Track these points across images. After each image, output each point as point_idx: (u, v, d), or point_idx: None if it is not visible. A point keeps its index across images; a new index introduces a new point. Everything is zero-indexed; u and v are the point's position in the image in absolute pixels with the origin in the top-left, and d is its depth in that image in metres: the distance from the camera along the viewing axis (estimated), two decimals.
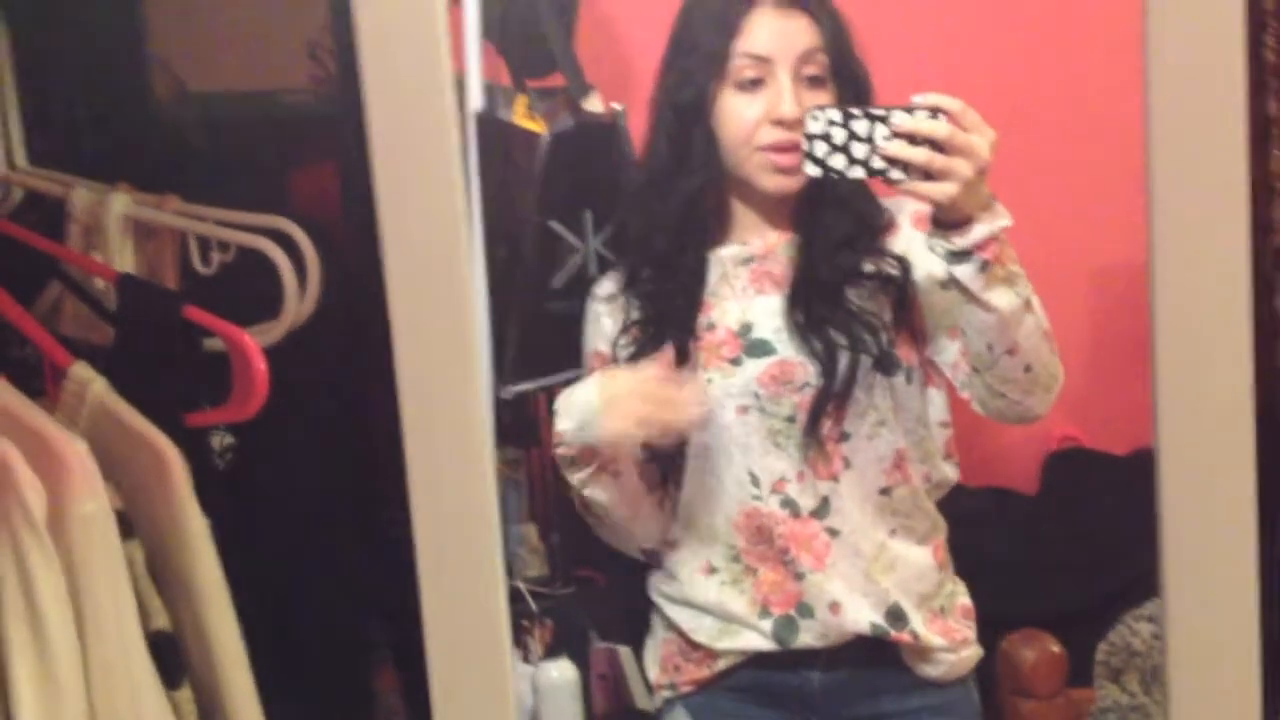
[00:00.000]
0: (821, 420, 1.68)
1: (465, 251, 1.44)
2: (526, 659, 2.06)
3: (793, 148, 1.65)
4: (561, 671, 2.03)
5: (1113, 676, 2.28)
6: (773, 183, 1.70)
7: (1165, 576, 1.45)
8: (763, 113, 1.67)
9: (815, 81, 1.69)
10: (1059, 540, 2.48)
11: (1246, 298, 1.38)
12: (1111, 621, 2.29)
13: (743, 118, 1.69)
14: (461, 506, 1.48)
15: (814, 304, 1.70)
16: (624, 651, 2.11)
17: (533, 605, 2.10)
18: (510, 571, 2.16)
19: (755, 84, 1.68)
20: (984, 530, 1.89)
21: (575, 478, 1.74)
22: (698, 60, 1.70)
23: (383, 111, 1.41)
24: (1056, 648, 2.27)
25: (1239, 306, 1.38)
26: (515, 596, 2.10)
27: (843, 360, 1.67)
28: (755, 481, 1.70)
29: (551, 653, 2.06)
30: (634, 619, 1.93)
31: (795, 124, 1.65)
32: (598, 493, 1.73)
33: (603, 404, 1.64)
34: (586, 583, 2.26)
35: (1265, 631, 1.43)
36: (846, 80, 1.70)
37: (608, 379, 1.69)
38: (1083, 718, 2.27)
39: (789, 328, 1.70)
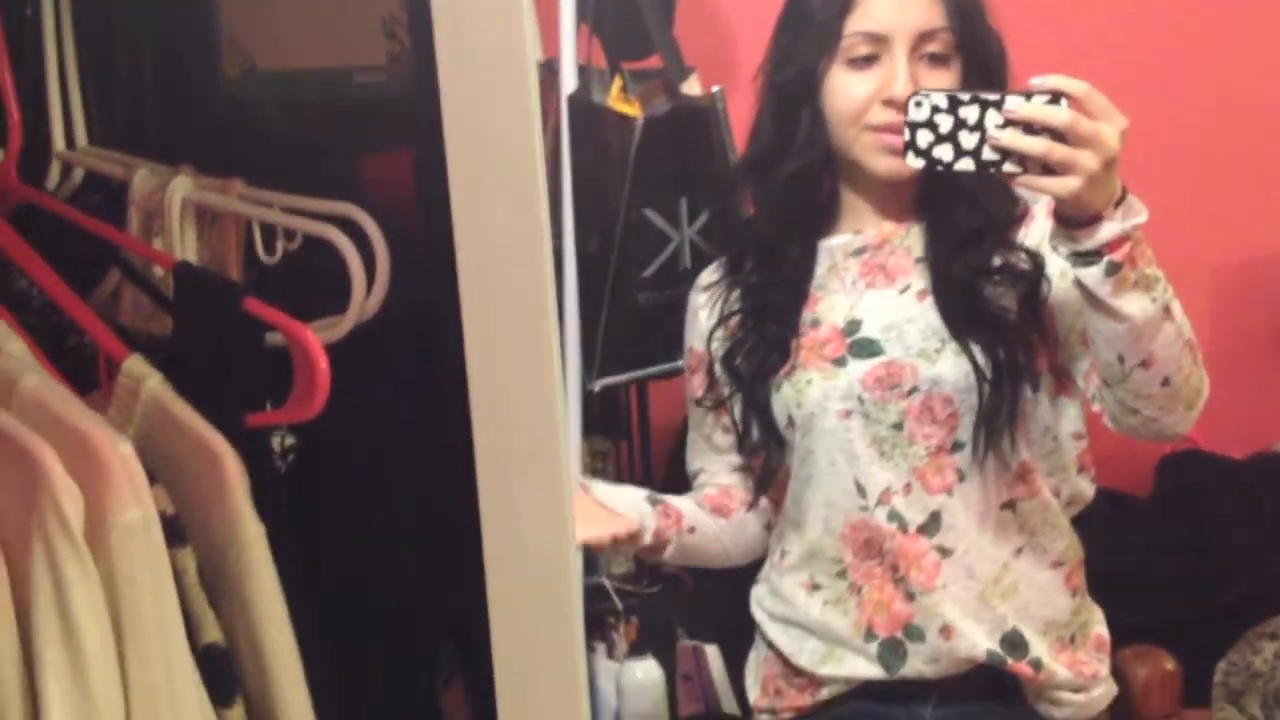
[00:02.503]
0: (981, 436, 1.58)
1: (543, 246, 1.36)
2: (611, 656, 2.04)
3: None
4: (646, 671, 2.03)
5: (1232, 698, 2.18)
6: (884, 164, 1.59)
7: None
8: (874, 91, 1.58)
9: (937, 60, 1.58)
10: (1173, 548, 2.40)
11: None
12: (1231, 638, 2.20)
13: (852, 96, 1.59)
14: (535, 512, 1.40)
15: (949, 305, 1.59)
16: (710, 652, 2.07)
17: (618, 602, 2.07)
18: (596, 568, 2.12)
19: (869, 61, 1.58)
20: (1093, 535, 1.78)
21: (665, 558, 1.77)
22: (808, 36, 1.61)
23: (457, 94, 1.33)
24: (1171, 664, 2.16)
25: None
26: (601, 593, 2.06)
27: (983, 365, 1.56)
28: (862, 492, 1.60)
29: (636, 651, 2.05)
30: (722, 620, 1.90)
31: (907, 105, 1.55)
32: (690, 558, 1.74)
33: None
34: (674, 581, 2.23)
35: None
36: (973, 59, 1.59)
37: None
38: None
39: (904, 329, 1.60)
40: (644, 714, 2.02)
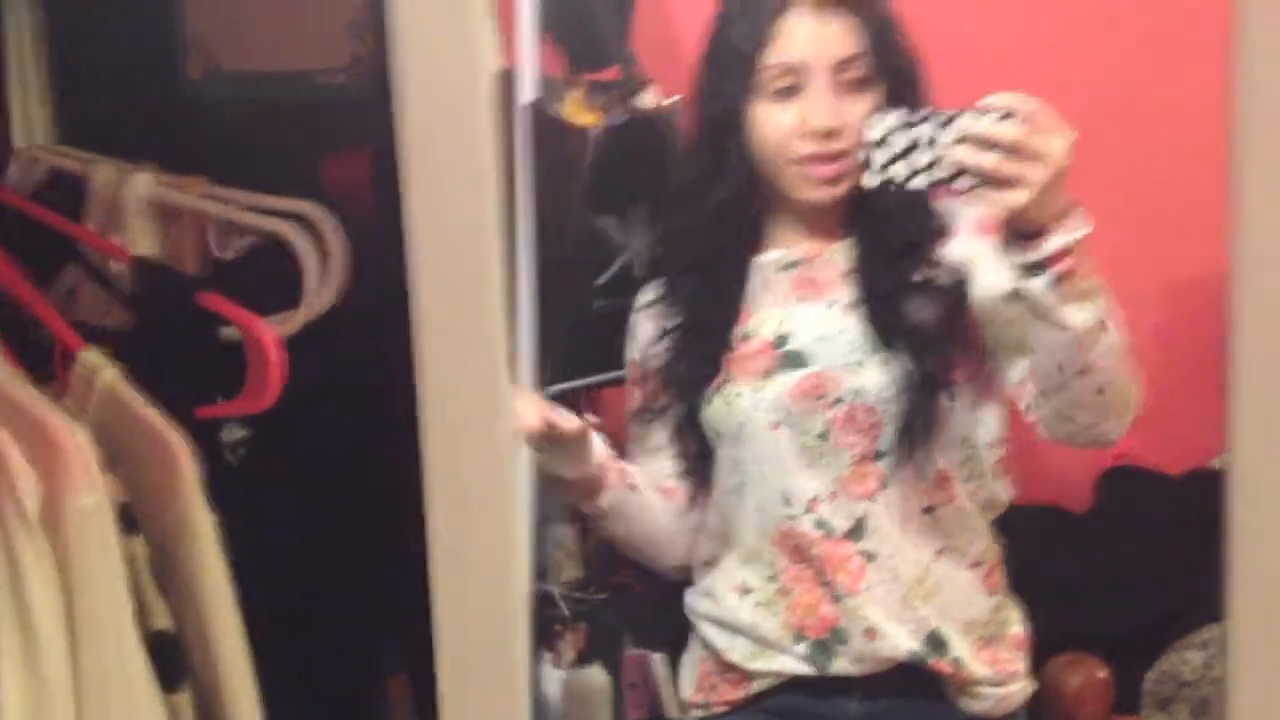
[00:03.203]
0: (902, 444, 1.62)
1: (494, 248, 1.39)
2: (558, 663, 2.04)
3: (830, 159, 1.60)
4: (592, 678, 2.02)
5: (1161, 706, 2.22)
6: (811, 195, 1.64)
7: (1232, 603, 1.38)
8: (797, 123, 1.61)
9: (857, 86, 1.62)
10: (1108, 561, 2.43)
11: None
12: (1161, 648, 2.24)
13: (775, 127, 1.62)
14: (481, 511, 1.43)
15: (874, 317, 1.63)
16: (657, 660, 2.08)
17: (565, 609, 2.07)
18: (545, 574, 2.13)
19: (790, 92, 1.61)
20: (1031, 548, 1.83)
21: (591, 508, 1.74)
22: (729, 69, 1.64)
23: (414, 98, 1.36)
24: (1103, 673, 2.22)
25: None
26: (549, 601, 2.07)
27: (904, 376, 1.60)
28: (789, 501, 1.64)
29: (583, 658, 2.04)
30: (670, 628, 1.91)
31: (830, 135, 1.59)
32: (617, 524, 1.71)
33: None
34: (623, 589, 2.23)
35: None
36: (893, 82, 1.63)
37: None
38: None
39: (833, 340, 1.64)
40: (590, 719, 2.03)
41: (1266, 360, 1.30)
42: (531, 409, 1.63)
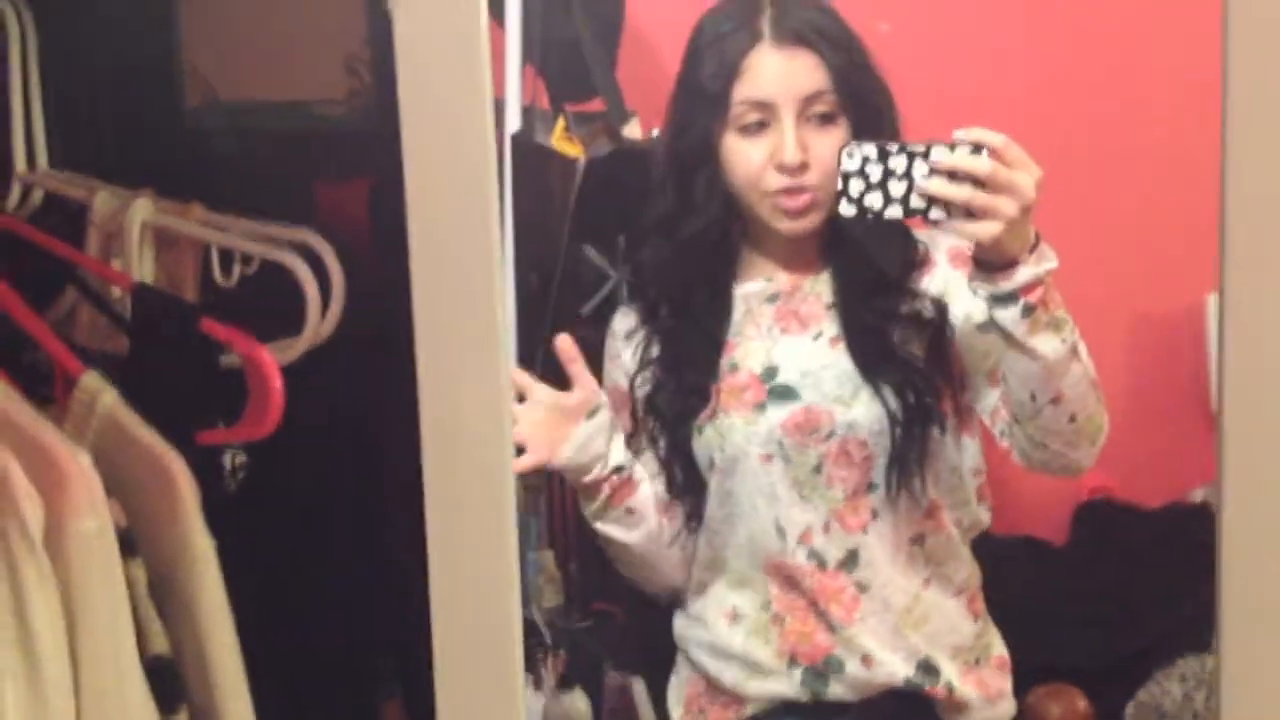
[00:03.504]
0: (894, 476, 1.64)
1: (496, 279, 1.40)
2: (539, 689, 2.04)
3: (800, 191, 1.62)
4: (573, 703, 2.02)
5: None
6: (785, 227, 1.66)
7: (1223, 635, 1.39)
8: (767, 157, 1.63)
9: (825, 119, 1.64)
10: (1087, 593, 2.46)
11: None
12: (1141, 679, 2.26)
13: (747, 162, 1.64)
14: (479, 539, 1.44)
15: (861, 351, 1.65)
16: (637, 686, 2.08)
17: (547, 636, 2.07)
18: (526, 601, 2.14)
19: (759, 127, 1.64)
20: (1011, 579, 1.85)
21: (587, 512, 1.71)
22: (700, 105, 1.66)
23: (418, 130, 1.37)
24: (1083, 704, 2.24)
25: None
26: (530, 627, 2.07)
27: (895, 410, 1.62)
28: (781, 534, 1.66)
29: (564, 684, 2.04)
30: (650, 654, 1.91)
31: (799, 169, 1.61)
32: (612, 529, 1.70)
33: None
34: (604, 616, 2.24)
35: None
36: (861, 114, 1.65)
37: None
38: None
39: (820, 375, 1.66)
40: None
41: (1254, 390, 1.32)
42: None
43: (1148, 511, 2.56)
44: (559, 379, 1.75)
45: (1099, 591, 2.44)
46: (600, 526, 1.72)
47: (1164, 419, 2.62)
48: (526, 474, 1.68)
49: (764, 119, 1.63)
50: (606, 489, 1.69)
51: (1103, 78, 2.52)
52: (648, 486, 1.74)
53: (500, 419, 1.36)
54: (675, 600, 1.82)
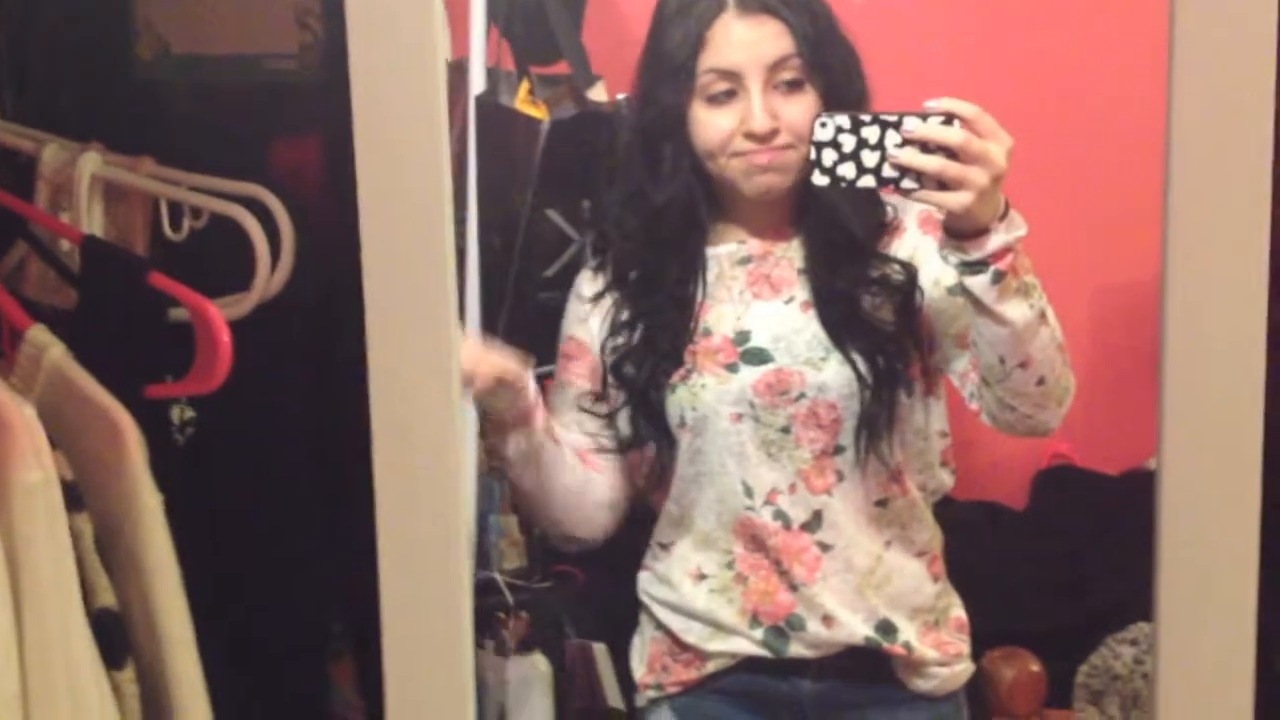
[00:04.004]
0: (862, 439, 1.65)
1: (446, 233, 1.39)
2: (500, 651, 2.04)
3: (770, 151, 1.62)
4: (534, 665, 2.03)
5: (1093, 699, 2.26)
6: (757, 184, 1.65)
7: (1160, 600, 1.41)
8: (735, 125, 1.63)
9: (793, 86, 1.63)
10: (1045, 558, 2.48)
11: (1261, 314, 1.33)
12: (1094, 644, 2.28)
13: (715, 131, 1.64)
14: (429, 496, 1.44)
15: (831, 316, 1.66)
16: (598, 648, 2.09)
17: (509, 597, 2.07)
18: (488, 563, 2.14)
19: (727, 96, 1.63)
20: (970, 544, 1.86)
21: (505, 451, 1.72)
22: (666, 76, 1.65)
23: (368, 84, 1.36)
24: (1036, 667, 2.26)
25: (1253, 323, 1.33)
26: (491, 588, 2.07)
27: (864, 374, 1.63)
28: (749, 492, 1.67)
29: (525, 646, 2.04)
30: (612, 616, 1.92)
31: (768, 136, 1.61)
32: (503, 447, 1.70)
33: None
34: (565, 577, 2.24)
35: (1261, 661, 1.39)
36: (829, 80, 1.64)
37: None
38: None
39: (791, 339, 1.66)
40: (531, 708, 2.03)
41: (1194, 363, 1.33)
42: (481, 359, 1.62)
43: (1106, 478, 2.57)
44: (521, 341, 1.75)
45: (1057, 556, 2.46)
46: (519, 469, 1.71)
47: (1124, 388, 2.63)
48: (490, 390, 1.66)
49: (731, 88, 1.63)
50: (537, 416, 1.69)
51: (1074, 46, 2.53)
52: (560, 430, 1.74)
53: (449, 375, 1.36)
54: (574, 548, 1.82)
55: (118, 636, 1.34)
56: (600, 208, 1.90)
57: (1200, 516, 1.35)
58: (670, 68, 1.64)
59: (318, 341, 1.53)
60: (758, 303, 1.70)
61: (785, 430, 1.66)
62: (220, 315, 1.36)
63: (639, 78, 1.71)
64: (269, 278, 1.47)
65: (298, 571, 1.58)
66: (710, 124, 1.64)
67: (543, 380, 2.10)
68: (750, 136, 1.62)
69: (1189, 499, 1.36)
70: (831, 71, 1.64)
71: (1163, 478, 1.34)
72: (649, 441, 1.72)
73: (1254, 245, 1.29)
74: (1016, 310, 1.48)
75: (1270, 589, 1.37)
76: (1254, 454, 1.34)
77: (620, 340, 1.73)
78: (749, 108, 1.62)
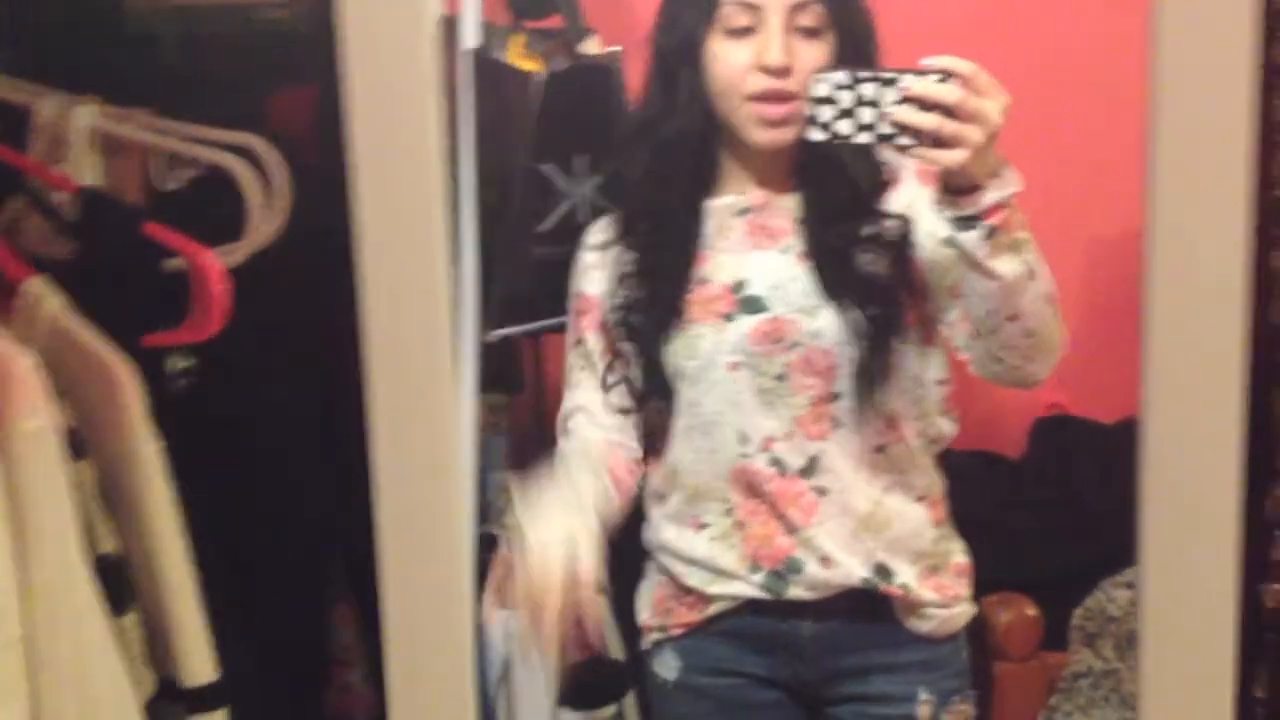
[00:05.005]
0: (858, 387, 1.65)
1: (437, 182, 1.40)
2: (501, 604, 2.04)
3: (780, 98, 1.63)
4: None
5: (1088, 641, 2.27)
6: (761, 136, 1.66)
7: (1144, 542, 1.43)
8: (751, 59, 1.63)
9: (810, 33, 1.64)
10: (1041, 505, 2.48)
11: (1241, 268, 1.35)
12: (1089, 587, 2.29)
13: (731, 64, 1.65)
14: (424, 441, 1.45)
15: (825, 272, 1.67)
16: (598, 600, 2.09)
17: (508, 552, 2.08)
18: (489, 517, 2.15)
19: (746, 31, 1.64)
20: (968, 492, 1.86)
21: None
22: (689, 3, 1.66)
23: (357, 32, 1.37)
24: (1032, 611, 2.27)
25: (1233, 275, 1.35)
26: (492, 542, 2.08)
27: (858, 321, 1.64)
28: (744, 439, 1.68)
29: None
30: (612, 568, 1.92)
31: (782, 72, 1.62)
32: None
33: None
34: None
35: (1243, 601, 1.41)
36: (846, 33, 1.65)
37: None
38: (1056, 682, 2.26)
39: (788, 287, 1.68)
40: (532, 660, 2.04)
41: (1177, 316, 1.35)
42: (552, 590, 1.57)
43: (1101, 426, 2.58)
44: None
45: (1052, 504, 2.46)
46: None
47: (1118, 337, 2.63)
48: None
49: (751, 23, 1.64)
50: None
51: (1048, 13, 2.52)
52: (602, 497, 1.72)
53: (441, 323, 1.37)
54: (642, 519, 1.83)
55: (121, 581, 1.36)
56: (614, 152, 1.90)
57: (1183, 463, 1.38)
58: None
59: (313, 289, 1.53)
60: (755, 252, 1.71)
61: (781, 378, 1.67)
62: (215, 263, 1.37)
63: (660, 9, 1.72)
64: (262, 225, 1.47)
65: (297, 516, 1.59)
66: (726, 58, 1.64)
67: (542, 334, 2.11)
68: (766, 71, 1.62)
69: (1172, 445, 1.39)
70: (850, 24, 1.65)
71: (1147, 425, 1.37)
72: (654, 393, 1.74)
73: (1236, 195, 1.31)
74: (1007, 265, 1.49)
75: (1251, 529, 1.39)
76: (1235, 400, 1.36)
77: (625, 292, 1.74)
78: (767, 41, 1.62)
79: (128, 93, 1.63)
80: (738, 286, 1.69)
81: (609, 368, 1.79)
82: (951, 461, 1.85)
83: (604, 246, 1.77)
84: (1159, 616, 1.43)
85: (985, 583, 1.88)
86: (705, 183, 1.73)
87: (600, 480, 1.73)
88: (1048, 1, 2.51)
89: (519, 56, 2.08)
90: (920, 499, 1.73)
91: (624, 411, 1.79)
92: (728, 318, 1.68)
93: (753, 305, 1.68)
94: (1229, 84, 1.30)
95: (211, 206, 1.52)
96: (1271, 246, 1.55)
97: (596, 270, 1.78)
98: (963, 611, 1.77)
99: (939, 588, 1.73)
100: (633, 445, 1.79)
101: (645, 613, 1.83)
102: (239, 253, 1.47)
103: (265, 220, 1.48)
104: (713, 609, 1.75)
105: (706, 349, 1.68)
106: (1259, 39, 1.32)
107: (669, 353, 1.71)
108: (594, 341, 1.79)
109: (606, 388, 1.79)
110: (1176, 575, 1.42)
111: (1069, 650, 2.26)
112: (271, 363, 1.56)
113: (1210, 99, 1.32)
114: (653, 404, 1.75)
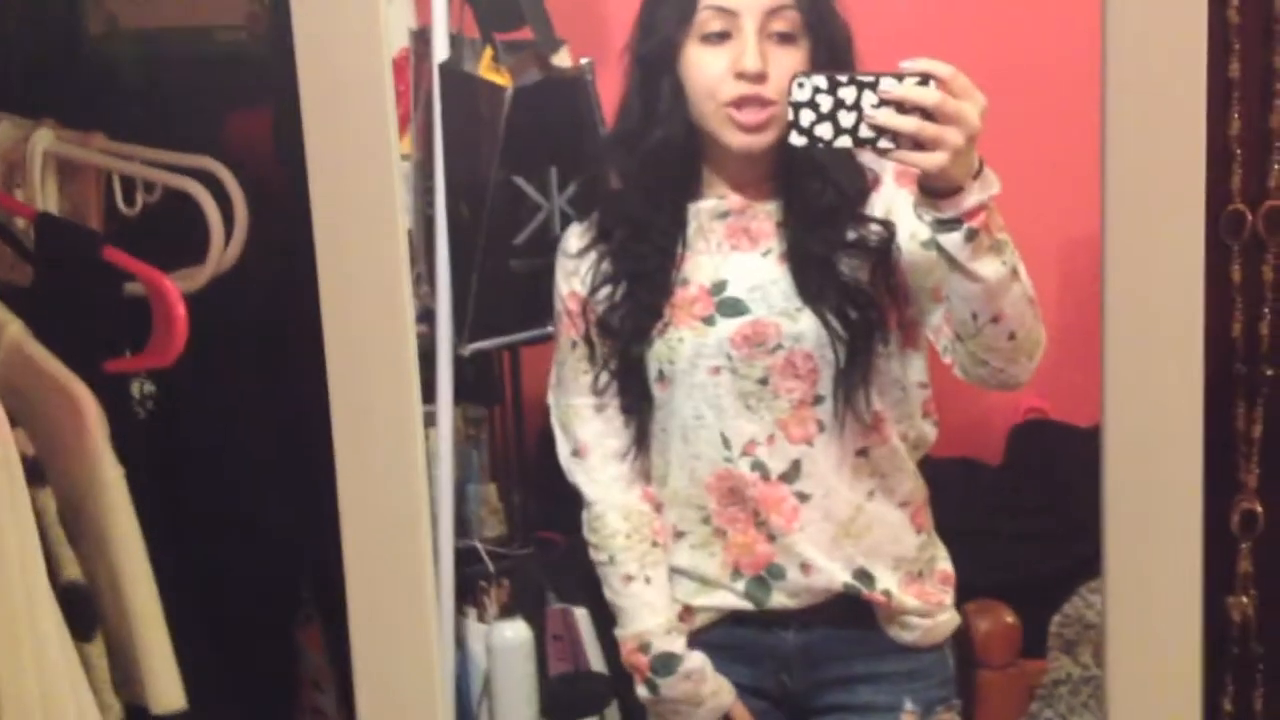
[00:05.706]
0: (840, 390, 1.66)
1: (397, 199, 1.39)
2: (482, 619, 2.04)
3: (756, 103, 1.63)
4: (515, 631, 2.03)
5: (1066, 648, 2.27)
6: (737, 140, 1.66)
7: (1108, 555, 1.43)
8: (727, 66, 1.64)
9: (785, 38, 1.65)
10: (1020, 511, 2.48)
11: (1199, 279, 1.36)
12: (1067, 594, 2.28)
13: (707, 70, 1.65)
14: (388, 462, 1.44)
15: (805, 277, 1.67)
16: (580, 613, 2.09)
17: (489, 565, 2.08)
18: (468, 531, 2.14)
19: (721, 37, 1.65)
20: (947, 499, 1.86)
21: None
22: (666, 9, 1.67)
23: (312, 53, 1.36)
24: (1011, 618, 2.27)
25: (1192, 286, 1.36)
26: (473, 556, 2.08)
27: (840, 325, 1.64)
28: (726, 443, 1.68)
29: (506, 613, 2.05)
30: (593, 581, 1.91)
31: (758, 78, 1.62)
32: None
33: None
34: (545, 544, 2.24)
35: (1208, 606, 1.42)
36: (821, 38, 1.66)
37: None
38: (1035, 689, 2.26)
39: (768, 289, 1.67)
40: (514, 674, 2.04)
41: (1135, 328, 1.36)
42: None
43: (1080, 431, 2.58)
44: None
45: (1031, 510, 2.46)
46: None
47: (1094, 342, 2.64)
48: None
49: (726, 28, 1.64)
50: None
51: (1048, 4, 2.53)
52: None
53: (405, 341, 1.36)
54: None
55: (86, 609, 1.34)
56: (583, 163, 1.90)
57: (1144, 468, 1.38)
58: (671, 3, 1.66)
59: (275, 313, 1.52)
60: (735, 254, 1.71)
61: (763, 381, 1.67)
62: (175, 288, 1.36)
63: (641, 11, 1.72)
64: (223, 250, 1.46)
65: (264, 539, 1.58)
66: (702, 63, 1.65)
67: (519, 346, 2.11)
68: (741, 76, 1.62)
69: (1133, 451, 1.39)
70: (825, 30, 1.66)
71: (1108, 437, 1.38)
72: (633, 396, 1.74)
73: (1192, 204, 1.32)
74: (989, 267, 1.49)
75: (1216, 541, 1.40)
76: (1195, 412, 1.37)
77: (604, 295, 1.74)
78: (742, 46, 1.63)
79: (85, 116, 1.62)
80: (716, 288, 1.69)
81: (592, 369, 1.78)
82: (931, 468, 1.85)
83: (581, 254, 1.77)
84: (1124, 630, 1.43)
85: (963, 589, 1.87)
86: (688, 187, 1.73)
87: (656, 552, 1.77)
88: (1020, 4, 2.52)
89: (489, 69, 2.08)
90: (903, 505, 1.73)
91: (602, 409, 1.77)
92: (708, 321, 1.68)
93: (732, 308, 1.67)
94: (1182, 90, 1.31)
95: (173, 230, 1.52)
96: (1231, 259, 1.57)
97: (577, 274, 1.77)
98: (947, 620, 1.77)
99: (922, 594, 1.73)
100: (643, 484, 1.78)
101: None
102: (200, 276, 1.46)
103: (225, 243, 1.47)
104: (697, 621, 1.75)
105: (687, 353, 1.68)
106: (1209, 46, 1.32)
107: (650, 355, 1.71)
108: (587, 358, 1.78)
109: (590, 389, 1.78)
110: (1141, 589, 1.42)
111: (1048, 657, 2.26)
112: (234, 386, 1.55)
113: (1163, 107, 1.32)
114: (638, 411, 1.75)
